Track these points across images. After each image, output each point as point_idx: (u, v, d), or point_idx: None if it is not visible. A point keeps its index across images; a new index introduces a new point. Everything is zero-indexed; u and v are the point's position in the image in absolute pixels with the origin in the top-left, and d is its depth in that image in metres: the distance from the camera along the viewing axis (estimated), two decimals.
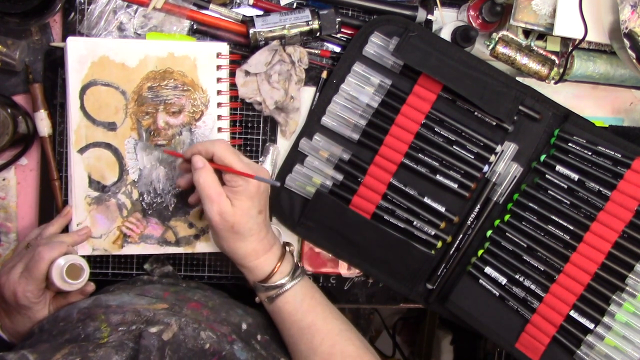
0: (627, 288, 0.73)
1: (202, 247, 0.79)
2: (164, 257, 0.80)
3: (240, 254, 0.68)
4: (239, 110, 0.80)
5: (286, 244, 0.73)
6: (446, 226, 0.80)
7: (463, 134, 0.79)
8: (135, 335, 0.56)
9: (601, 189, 0.75)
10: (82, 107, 0.75)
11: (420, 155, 0.79)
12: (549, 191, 0.77)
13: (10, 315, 0.67)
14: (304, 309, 0.68)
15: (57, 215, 0.75)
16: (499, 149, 0.79)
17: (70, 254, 0.67)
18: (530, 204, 0.77)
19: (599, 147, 0.76)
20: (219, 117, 0.78)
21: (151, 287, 0.72)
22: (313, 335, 0.67)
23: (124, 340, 0.55)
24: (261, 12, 0.79)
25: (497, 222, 0.79)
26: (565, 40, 0.82)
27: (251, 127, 0.81)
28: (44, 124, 0.76)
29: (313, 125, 0.80)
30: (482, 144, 0.78)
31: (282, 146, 0.82)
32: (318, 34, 0.78)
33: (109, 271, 0.80)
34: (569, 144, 0.77)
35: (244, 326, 0.68)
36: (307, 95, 0.82)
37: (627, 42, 0.73)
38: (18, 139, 0.74)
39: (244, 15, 0.78)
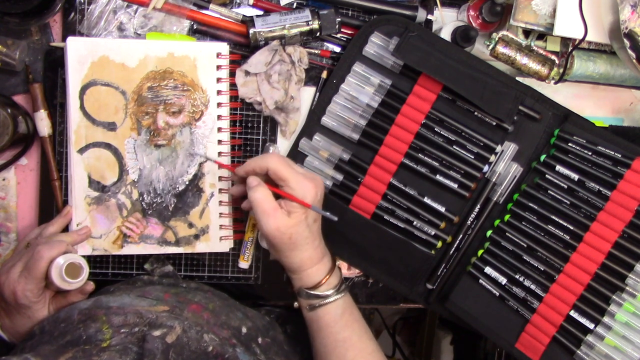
0: (627, 288, 0.73)
1: (202, 247, 0.79)
2: (164, 257, 0.80)
3: (296, 262, 0.68)
4: (239, 110, 0.80)
5: (335, 258, 0.74)
6: (446, 226, 0.80)
7: (463, 134, 0.79)
8: (139, 338, 0.56)
9: (601, 189, 0.75)
10: (82, 107, 0.75)
11: (420, 155, 0.79)
12: (549, 191, 0.77)
13: (10, 314, 0.67)
14: (342, 322, 0.69)
15: (57, 215, 0.75)
16: (499, 149, 0.79)
17: (70, 253, 0.67)
18: (530, 204, 0.77)
19: (599, 147, 0.76)
20: (219, 117, 0.78)
21: (152, 288, 0.72)
22: (347, 349, 0.68)
23: (127, 343, 0.55)
24: (261, 12, 0.79)
25: (497, 222, 0.79)
26: (565, 40, 0.82)
27: (251, 127, 0.81)
28: (44, 124, 0.76)
29: (313, 125, 0.80)
30: (482, 144, 0.78)
31: (282, 146, 0.82)
32: (318, 34, 0.78)
33: (109, 271, 0.80)
34: (569, 144, 0.77)
35: (244, 330, 0.68)
36: (307, 95, 0.82)
37: (627, 42, 0.73)
38: (18, 139, 0.74)
39: (244, 15, 0.78)
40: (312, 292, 0.68)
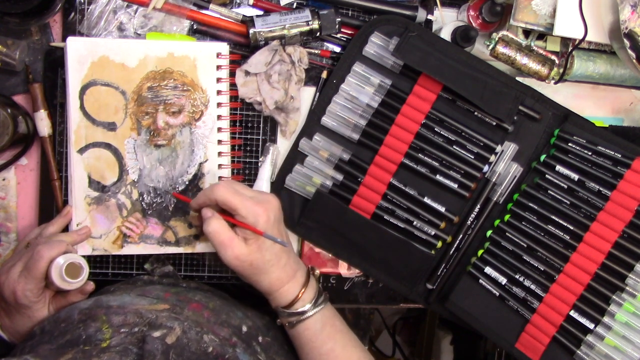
0: (627, 288, 0.73)
1: (202, 247, 0.79)
2: (164, 257, 0.80)
3: (265, 285, 0.68)
4: (239, 110, 0.80)
5: (311, 268, 0.74)
6: (446, 226, 0.80)
7: (463, 134, 0.79)
8: (139, 339, 0.56)
9: (601, 189, 0.75)
10: (82, 107, 0.75)
11: (420, 155, 0.79)
12: (549, 191, 0.77)
13: (10, 314, 0.67)
14: (323, 336, 0.69)
15: (57, 215, 0.75)
16: (499, 149, 0.79)
17: (70, 253, 0.67)
18: (530, 204, 0.77)
19: (599, 147, 0.76)
20: (219, 117, 0.78)
21: (152, 287, 0.72)
22: None
23: (127, 344, 0.55)
24: (261, 12, 0.79)
25: (497, 222, 0.79)
26: (565, 40, 0.82)
27: (251, 127, 0.81)
28: (44, 124, 0.75)
29: (313, 125, 0.80)
30: (482, 144, 0.78)
31: (282, 146, 0.82)
32: (318, 34, 0.78)
33: (109, 271, 0.80)
34: (569, 144, 0.77)
35: (245, 328, 0.68)
36: (307, 95, 0.82)
37: (627, 42, 0.73)
38: (18, 139, 0.74)
39: (244, 15, 0.78)
40: (288, 310, 0.68)
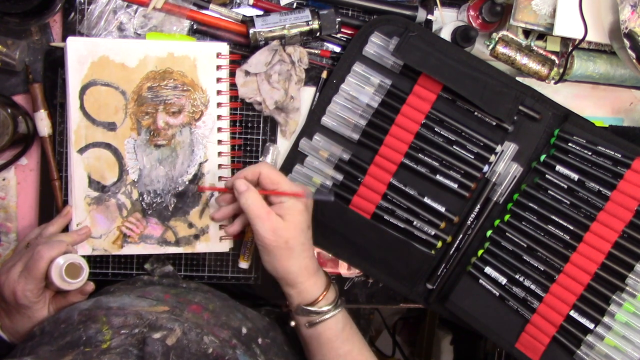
0: (627, 288, 0.73)
1: (202, 247, 0.79)
2: (164, 257, 0.80)
3: (293, 271, 0.67)
4: (239, 110, 0.80)
5: (328, 274, 0.74)
6: (446, 226, 0.80)
7: (463, 134, 0.79)
8: (139, 340, 0.56)
9: (601, 189, 0.75)
10: (82, 107, 0.75)
11: (420, 155, 0.79)
12: (549, 191, 0.77)
13: (10, 314, 0.67)
14: (343, 337, 0.69)
15: (57, 215, 0.75)
16: (499, 149, 0.79)
17: (70, 253, 0.67)
18: (530, 204, 0.77)
19: (599, 147, 0.76)
20: (219, 117, 0.78)
21: (152, 288, 0.72)
22: None
23: (127, 345, 0.55)
24: (261, 12, 0.79)
25: (497, 222, 0.79)
26: (565, 40, 0.82)
27: (251, 127, 0.81)
28: (44, 124, 0.75)
29: (313, 125, 0.80)
30: (482, 144, 0.78)
31: (282, 146, 0.82)
32: (318, 34, 0.78)
33: (109, 271, 0.80)
34: (569, 144, 0.77)
35: (244, 330, 0.68)
36: (307, 95, 0.82)
37: (627, 42, 0.73)
38: (18, 139, 0.74)
39: (244, 15, 0.78)
40: (311, 308, 0.68)
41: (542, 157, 0.78)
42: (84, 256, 0.73)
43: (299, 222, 0.67)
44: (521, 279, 0.76)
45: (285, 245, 0.66)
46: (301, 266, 0.67)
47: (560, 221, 0.76)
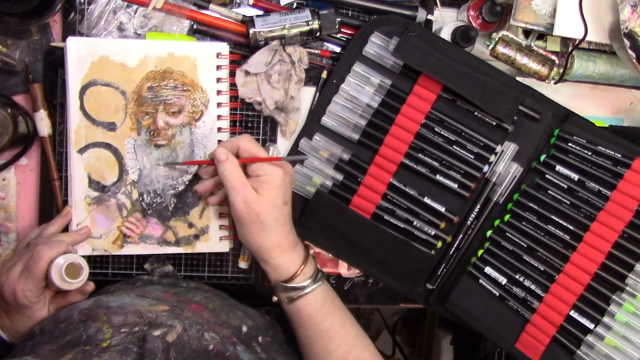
0: (627, 288, 0.73)
1: (202, 247, 0.79)
2: (164, 257, 0.80)
3: (265, 247, 0.67)
4: (239, 110, 0.80)
5: (307, 246, 0.73)
6: (446, 226, 0.80)
7: (463, 134, 0.79)
8: (139, 338, 0.56)
9: (601, 189, 0.75)
10: (82, 107, 0.75)
11: (420, 155, 0.79)
12: (549, 191, 0.77)
13: (9, 314, 0.67)
14: (323, 312, 0.68)
15: (57, 215, 0.75)
16: (499, 149, 0.79)
17: (70, 253, 0.67)
18: (530, 204, 0.77)
19: (599, 147, 0.76)
20: (219, 117, 0.78)
21: (152, 288, 0.72)
22: (331, 338, 0.68)
23: (128, 343, 0.55)
24: (261, 12, 0.79)
25: (497, 222, 0.79)
26: (565, 40, 0.82)
27: (251, 127, 0.81)
28: (43, 124, 0.75)
29: (313, 125, 0.80)
30: (482, 144, 0.78)
31: (282, 146, 0.82)
32: (318, 34, 0.78)
33: (109, 271, 0.80)
34: (569, 144, 0.77)
35: (245, 329, 0.68)
36: (307, 95, 0.82)
37: (627, 42, 0.73)
38: (18, 139, 0.74)
39: (244, 15, 0.78)
40: (288, 285, 0.68)
41: (542, 157, 0.78)
42: (84, 256, 0.73)
43: (274, 197, 0.66)
44: (521, 279, 0.76)
45: (257, 218, 0.66)
46: (273, 241, 0.67)
47: (560, 221, 0.76)
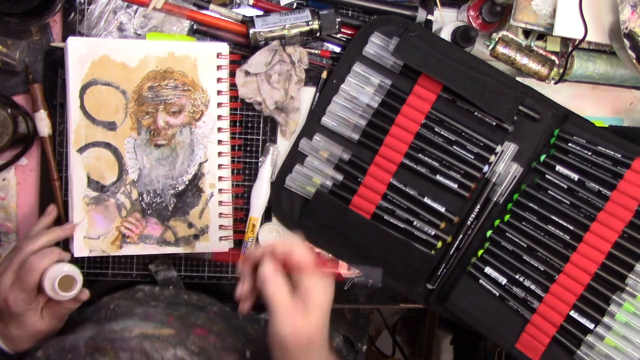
0: (627, 288, 0.73)
1: (202, 247, 0.79)
2: (171, 262, 0.80)
3: None
4: (239, 110, 0.80)
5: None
6: (446, 226, 0.80)
7: (463, 134, 0.79)
8: None
9: (601, 189, 0.75)
10: (82, 107, 0.75)
11: (420, 155, 0.79)
12: (549, 191, 0.77)
13: (2, 320, 0.66)
14: None
15: (42, 216, 0.74)
16: (499, 149, 0.79)
17: (63, 263, 0.66)
18: (530, 204, 0.77)
19: (599, 147, 0.76)
20: (219, 117, 0.78)
21: (154, 310, 0.71)
22: None
23: None
24: (261, 12, 0.79)
25: (497, 222, 0.79)
26: (565, 40, 0.82)
27: (251, 127, 0.81)
28: (44, 124, 0.75)
29: (313, 125, 0.80)
30: (482, 144, 0.78)
31: (282, 146, 0.82)
32: (318, 34, 0.78)
33: (109, 271, 0.79)
34: (569, 144, 0.77)
35: (248, 354, 0.67)
36: (307, 95, 0.82)
37: (627, 42, 0.73)
38: (18, 139, 0.74)
39: (244, 16, 0.78)
40: None
41: (542, 157, 0.78)
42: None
43: (324, 315, 0.55)
44: (521, 279, 0.76)
45: (306, 343, 0.54)
46: None
47: (560, 221, 0.76)
